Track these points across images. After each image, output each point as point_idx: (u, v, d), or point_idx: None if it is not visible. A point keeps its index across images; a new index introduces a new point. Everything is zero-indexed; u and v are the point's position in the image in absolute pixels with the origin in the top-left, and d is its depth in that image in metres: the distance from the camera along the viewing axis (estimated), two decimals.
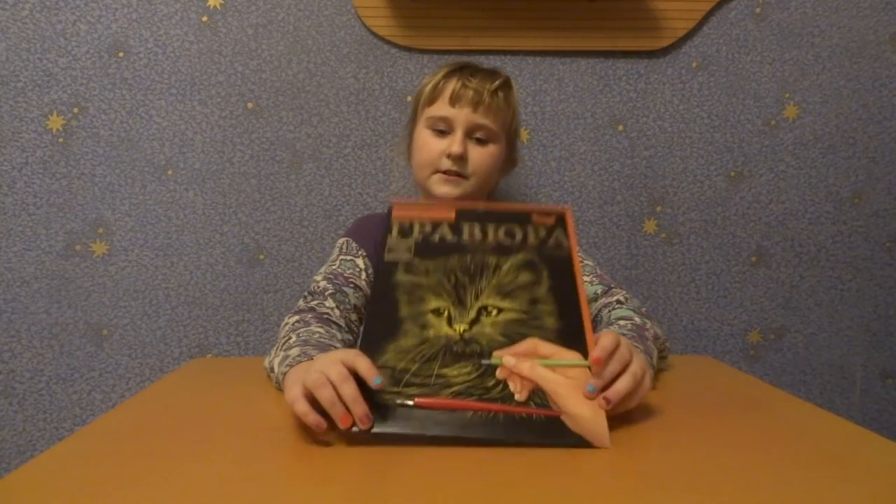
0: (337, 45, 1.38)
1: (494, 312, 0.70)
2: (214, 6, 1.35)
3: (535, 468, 0.52)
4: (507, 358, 0.65)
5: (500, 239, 0.77)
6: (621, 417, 0.66)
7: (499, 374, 0.65)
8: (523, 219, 0.79)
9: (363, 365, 0.60)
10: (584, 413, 0.61)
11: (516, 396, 0.63)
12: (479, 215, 0.79)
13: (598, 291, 0.94)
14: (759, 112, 1.43)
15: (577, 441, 0.59)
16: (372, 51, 1.38)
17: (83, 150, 1.35)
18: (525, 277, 0.74)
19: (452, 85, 1.00)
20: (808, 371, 1.48)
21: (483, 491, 0.48)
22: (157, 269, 1.38)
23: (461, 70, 1.02)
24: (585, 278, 0.97)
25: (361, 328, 0.93)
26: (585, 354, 0.66)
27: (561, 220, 0.79)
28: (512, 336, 0.68)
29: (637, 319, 0.83)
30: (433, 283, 0.72)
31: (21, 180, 1.34)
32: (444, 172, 0.99)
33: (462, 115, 0.99)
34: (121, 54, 1.34)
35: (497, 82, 1.01)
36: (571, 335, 0.68)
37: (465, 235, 0.77)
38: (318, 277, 0.96)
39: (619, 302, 0.90)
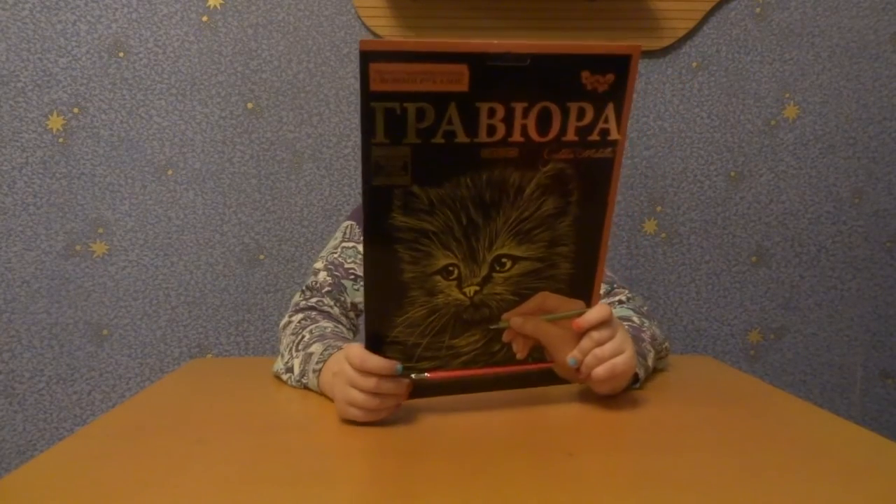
0: (337, 45, 1.38)
1: (508, 265, 0.61)
2: (214, 6, 1.35)
3: (535, 468, 0.52)
4: (514, 320, 0.65)
5: (528, 133, 0.56)
6: (621, 417, 0.66)
7: (505, 336, 0.66)
8: (568, 82, 0.56)
9: (375, 365, 0.61)
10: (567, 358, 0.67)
11: (517, 355, 0.67)
12: (505, 78, 0.54)
13: (601, 291, 0.94)
14: (759, 112, 1.43)
15: (558, 381, 0.69)
16: None
17: (83, 150, 1.35)
18: (549, 205, 0.60)
19: None
20: (808, 371, 1.48)
21: (483, 491, 0.48)
22: (157, 269, 1.38)
23: None
24: None
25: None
26: (590, 302, 0.66)
27: (620, 78, 0.57)
28: (523, 294, 0.63)
29: (635, 320, 0.83)
30: (440, 226, 0.58)
31: (21, 180, 1.34)
32: None
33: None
34: (121, 54, 1.34)
35: None
36: (582, 282, 0.64)
37: (482, 128, 0.55)
38: (319, 266, 0.93)
39: (620, 302, 0.89)
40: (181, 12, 1.35)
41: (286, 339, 0.83)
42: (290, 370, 0.79)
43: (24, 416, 1.37)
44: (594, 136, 0.58)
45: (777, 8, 1.41)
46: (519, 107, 0.55)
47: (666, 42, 1.40)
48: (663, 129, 1.43)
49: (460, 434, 0.61)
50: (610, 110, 0.58)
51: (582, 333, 0.65)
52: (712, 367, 0.91)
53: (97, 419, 0.65)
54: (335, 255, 0.94)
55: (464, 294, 0.61)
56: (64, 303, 1.36)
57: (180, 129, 1.37)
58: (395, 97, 0.52)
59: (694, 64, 1.42)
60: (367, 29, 1.37)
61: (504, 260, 0.61)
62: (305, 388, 0.77)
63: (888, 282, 1.46)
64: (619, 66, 0.56)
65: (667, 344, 0.86)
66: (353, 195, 1.40)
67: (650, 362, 0.79)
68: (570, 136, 0.57)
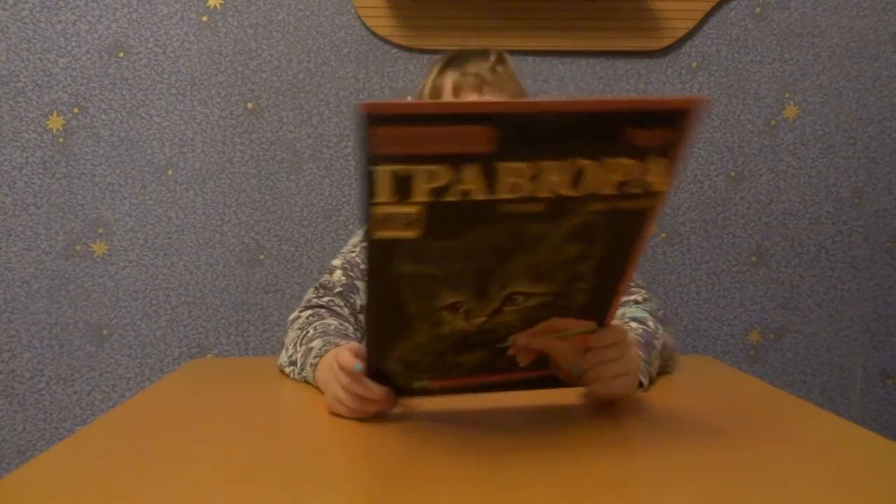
0: (337, 45, 1.38)
1: (521, 300, 0.56)
2: (214, 6, 1.35)
3: (535, 468, 0.52)
4: (522, 340, 0.63)
5: (557, 189, 0.48)
6: (621, 417, 0.66)
7: (511, 351, 0.64)
8: (610, 139, 0.47)
9: (344, 360, 0.63)
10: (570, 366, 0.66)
11: (520, 363, 0.65)
12: (532, 139, 0.46)
13: None
14: (759, 112, 1.43)
15: (559, 384, 0.67)
16: (372, 51, 1.38)
17: (83, 150, 1.35)
18: (573, 251, 0.53)
19: (450, 78, 0.97)
20: (808, 371, 1.48)
21: (483, 491, 0.48)
22: (157, 269, 1.38)
23: (453, 61, 0.99)
24: None
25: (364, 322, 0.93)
26: (603, 324, 0.63)
27: (674, 131, 0.48)
28: (533, 321, 0.60)
29: (650, 325, 0.81)
30: (450, 274, 0.52)
31: (21, 180, 1.34)
32: None
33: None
34: (121, 54, 1.34)
35: (492, 58, 0.97)
36: (597, 308, 0.61)
37: (503, 187, 0.47)
38: (336, 263, 0.94)
39: (636, 302, 0.88)
40: (181, 12, 1.35)
41: (292, 333, 0.84)
42: (293, 364, 0.81)
43: (24, 416, 1.37)
44: (634, 189, 0.50)
45: (777, 8, 1.41)
46: (548, 165, 0.47)
47: (666, 42, 1.40)
48: None
49: (460, 434, 0.61)
50: (658, 165, 0.49)
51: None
52: (712, 367, 0.91)
53: (97, 419, 0.65)
54: (353, 255, 0.96)
55: (470, 324, 0.58)
56: (64, 303, 1.36)
57: (180, 129, 1.37)
58: (403, 160, 0.44)
59: (694, 64, 1.42)
60: (367, 29, 1.37)
61: (516, 296, 0.56)
62: (305, 381, 0.78)
63: (888, 282, 1.46)
64: (673, 121, 0.48)
65: (676, 353, 0.85)
66: (353, 195, 1.40)
67: (655, 369, 0.78)
68: (608, 190, 0.49)
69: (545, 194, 0.48)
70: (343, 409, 0.65)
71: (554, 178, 0.47)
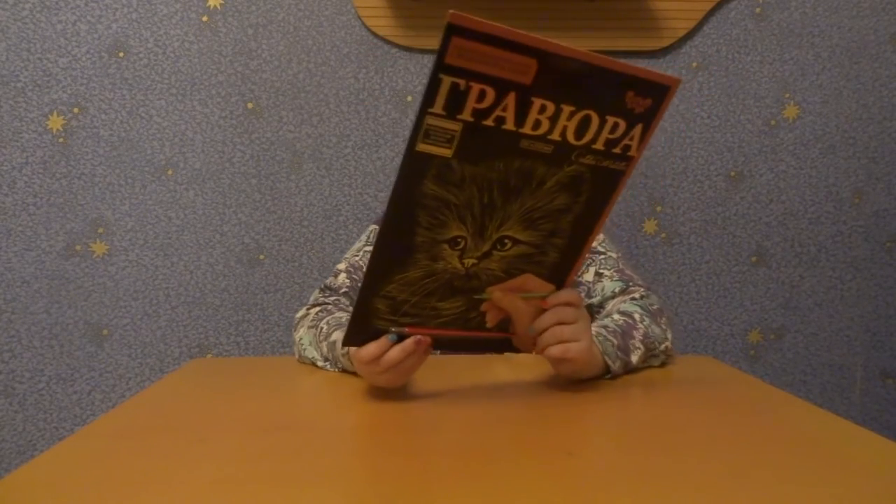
0: (337, 45, 1.38)
1: (509, 245, 0.65)
2: (214, 6, 1.35)
3: (535, 468, 0.52)
4: (495, 294, 0.69)
5: (566, 134, 0.59)
6: (621, 417, 0.66)
7: (483, 306, 0.70)
8: (614, 97, 0.59)
9: (370, 354, 0.66)
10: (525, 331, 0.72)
11: (488, 324, 0.71)
12: (564, 80, 0.56)
13: (616, 290, 0.93)
14: (759, 112, 1.43)
15: (514, 349, 0.74)
16: (372, 51, 1.38)
17: (83, 150, 1.35)
18: (560, 201, 0.64)
19: None
20: (808, 371, 1.48)
21: (483, 491, 0.48)
22: (157, 269, 1.38)
23: None
24: (605, 272, 0.97)
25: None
26: (561, 287, 0.71)
27: (656, 103, 0.61)
28: (512, 273, 0.69)
29: (636, 317, 0.82)
30: (463, 200, 0.60)
31: (21, 180, 1.34)
32: None
33: None
34: (121, 54, 1.34)
35: None
36: (561, 270, 0.70)
37: (530, 121, 0.56)
38: (341, 267, 0.98)
39: (632, 299, 0.89)
40: (181, 12, 1.35)
41: (307, 331, 0.87)
42: (327, 360, 0.84)
43: (24, 416, 1.37)
44: (617, 150, 0.62)
45: (777, 8, 1.41)
46: (567, 109, 0.57)
47: (666, 42, 1.40)
48: (663, 129, 1.43)
49: (460, 434, 0.61)
50: (637, 130, 0.61)
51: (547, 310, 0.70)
52: (712, 367, 0.91)
53: (97, 419, 0.65)
54: (357, 258, 0.99)
55: (462, 264, 0.65)
56: (64, 303, 1.36)
57: (180, 129, 1.37)
58: (465, 74, 0.52)
59: (694, 64, 1.42)
60: (367, 29, 1.37)
61: (507, 241, 0.65)
62: (345, 371, 0.82)
63: (888, 282, 1.46)
64: (658, 93, 0.60)
65: (667, 346, 0.86)
66: (353, 195, 1.40)
67: (635, 359, 0.79)
68: (599, 145, 0.61)
69: (556, 137, 0.58)
70: (393, 381, 0.70)
71: (566, 122, 0.58)
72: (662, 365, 0.87)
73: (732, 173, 1.44)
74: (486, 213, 0.62)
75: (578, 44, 1.39)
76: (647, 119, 0.61)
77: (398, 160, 1.35)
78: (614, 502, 0.46)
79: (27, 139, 1.34)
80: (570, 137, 0.59)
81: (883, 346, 1.48)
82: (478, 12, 1.37)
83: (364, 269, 0.94)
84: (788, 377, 1.48)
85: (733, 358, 1.47)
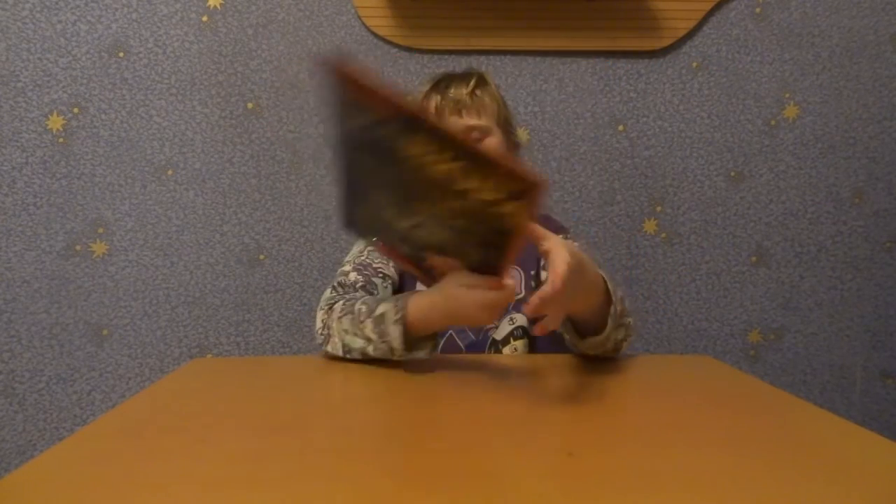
0: (337, 46, 1.38)
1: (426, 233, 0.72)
2: (214, 6, 1.35)
3: (535, 468, 0.52)
4: (437, 261, 0.76)
5: (451, 171, 0.62)
6: (621, 417, 0.66)
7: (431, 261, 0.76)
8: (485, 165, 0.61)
9: (483, 280, 0.72)
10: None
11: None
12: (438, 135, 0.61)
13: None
14: (759, 112, 1.43)
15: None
16: (372, 51, 1.38)
17: (83, 150, 1.35)
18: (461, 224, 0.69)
19: (433, 102, 1.02)
20: (808, 371, 1.48)
21: (483, 491, 0.48)
22: (157, 269, 1.38)
23: (437, 85, 1.05)
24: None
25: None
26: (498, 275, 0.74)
27: (527, 202, 0.61)
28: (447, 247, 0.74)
29: (610, 286, 0.81)
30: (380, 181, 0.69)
31: (21, 180, 1.34)
32: None
33: (451, 125, 1.00)
34: (121, 54, 1.34)
35: (472, 83, 1.03)
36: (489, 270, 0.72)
37: (414, 146, 0.62)
38: (347, 268, 0.96)
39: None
40: (181, 12, 1.35)
41: (340, 323, 0.84)
42: (368, 340, 0.81)
43: (24, 416, 1.37)
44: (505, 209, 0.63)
45: (777, 8, 1.41)
46: (447, 154, 0.61)
47: (666, 42, 1.40)
48: (663, 129, 1.43)
49: (460, 433, 0.61)
50: (513, 206, 0.62)
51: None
52: (712, 367, 0.91)
53: (97, 419, 0.65)
54: (362, 258, 0.98)
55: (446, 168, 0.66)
56: (64, 303, 1.36)
57: (180, 129, 1.37)
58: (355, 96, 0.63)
59: (694, 64, 1.42)
60: (367, 29, 1.37)
61: (423, 229, 0.72)
62: (390, 348, 0.79)
63: (888, 282, 1.46)
64: (523, 193, 0.60)
65: (630, 321, 0.85)
66: None
67: (619, 305, 0.80)
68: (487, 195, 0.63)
69: (441, 171, 0.63)
70: (495, 309, 0.73)
71: (451, 164, 0.62)
72: (621, 343, 0.85)
73: (732, 173, 1.44)
74: (403, 202, 0.69)
75: (578, 44, 1.40)
76: (522, 196, 0.60)
77: None
78: (614, 502, 0.46)
79: (27, 139, 1.34)
80: (454, 177, 0.62)
81: (883, 346, 1.48)
82: (479, 13, 1.37)
83: (372, 265, 0.96)
84: (788, 377, 1.48)
85: (733, 358, 1.47)
